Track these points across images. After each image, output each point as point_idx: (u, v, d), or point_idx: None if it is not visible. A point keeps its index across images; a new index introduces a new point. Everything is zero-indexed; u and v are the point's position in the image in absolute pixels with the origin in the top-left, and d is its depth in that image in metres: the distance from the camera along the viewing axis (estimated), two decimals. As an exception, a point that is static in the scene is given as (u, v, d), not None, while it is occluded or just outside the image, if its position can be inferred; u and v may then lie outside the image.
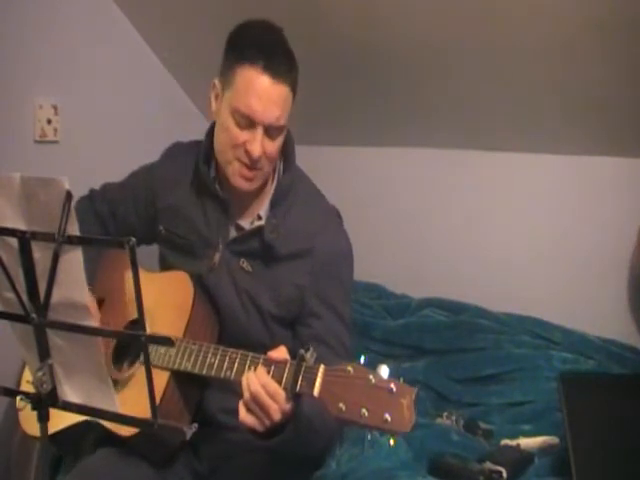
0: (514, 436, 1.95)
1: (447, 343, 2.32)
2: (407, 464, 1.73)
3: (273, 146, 1.63)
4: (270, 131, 1.61)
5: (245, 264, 1.69)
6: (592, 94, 2.13)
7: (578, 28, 1.97)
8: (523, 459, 1.83)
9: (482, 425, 2.00)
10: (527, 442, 1.91)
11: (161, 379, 1.55)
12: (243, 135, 1.60)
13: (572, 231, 2.35)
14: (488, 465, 1.74)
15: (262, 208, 1.71)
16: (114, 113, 2.63)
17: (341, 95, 2.58)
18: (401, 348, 2.39)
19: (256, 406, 1.38)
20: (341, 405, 1.28)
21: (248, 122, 1.59)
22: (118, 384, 1.62)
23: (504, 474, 1.72)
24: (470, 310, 2.40)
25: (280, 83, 1.58)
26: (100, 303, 1.78)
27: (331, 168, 2.66)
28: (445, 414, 2.05)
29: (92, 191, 1.95)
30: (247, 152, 1.61)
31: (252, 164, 1.62)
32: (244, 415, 1.40)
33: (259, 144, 1.60)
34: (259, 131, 1.59)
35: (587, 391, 1.84)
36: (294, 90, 1.63)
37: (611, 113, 2.16)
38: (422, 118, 2.48)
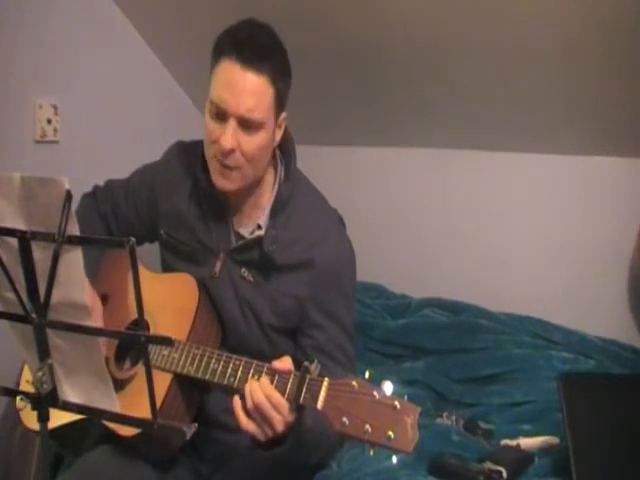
0: (514, 436, 1.95)
1: (447, 343, 2.32)
2: (407, 464, 1.73)
3: (250, 142, 1.58)
4: (245, 124, 1.56)
5: (246, 273, 1.68)
6: (592, 94, 2.13)
7: (578, 28, 1.97)
8: (523, 459, 1.83)
9: (482, 425, 2.00)
10: (527, 442, 1.91)
11: (163, 381, 1.55)
12: (218, 129, 1.58)
13: (572, 231, 2.35)
14: (488, 465, 1.74)
15: (262, 217, 1.68)
16: (114, 113, 2.63)
17: (341, 95, 2.58)
18: (401, 348, 2.39)
19: (258, 415, 1.38)
20: (344, 420, 1.28)
21: (221, 114, 1.57)
22: (120, 383, 1.62)
23: (504, 474, 1.72)
24: (470, 310, 2.40)
25: (252, 71, 1.54)
26: (104, 300, 1.77)
27: (331, 168, 2.66)
28: (445, 414, 2.04)
29: (96, 188, 1.94)
30: (219, 145, 1.58)
31: (224, 158, 1.58)
32: (246, 423, 1.39)
33: (229, 136, 1.56)
34: (231, 123, 1.56)
35: (587, 391, 1.84)
36: (275, 84, 1.58)
37: (611, 113, 2.16)
38: (422, 118, 2.48)
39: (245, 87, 1.55)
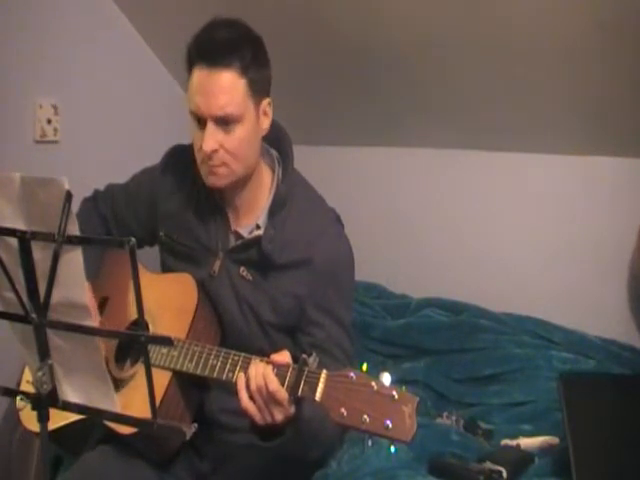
0: (514, 436, 1.94)
1: (447, 343, 2.32)
2: (407, 464, 1.73)
3: (231, 140, 1.58)
4: (222, 122, 1.57)
5: (245, 272, 1.69)
6: (592, 94, 2.13)
7: (579, 28, 1.97)
8: (523, 459, 1.83)
9: (482, 425, 2.00)
10: (527, 442, 1.91)
11: (163, 379, 1.56)
12: (200, 136, 1.60)
13: (572, 231, 2.35)
14: (488, 465, 1.74)
15: (260, 217, 1.69)
16: (114, 113, 2.63)
17: (341, 95, 2.58)
18: (401, 348, 2.39)
19: (260, 398, 1.39)
20: (343, 410, 1.28)
21: (200, 120, 1.59)
22: (120, 382, 1.62)
23: (504, 474, 1.72)
24: (470, 310, 2.40)
25: (219, 69, 1.55)
26: (104, 301, 1.78)
27: (331, 168, 2.66)
28: (445, 414, 2.04)
29: (96, 192, 1.95)
30: (202, 150, 1.60)
31: (209, 159, 1.60)
32: (246, 402, 1.41)
33: (208, 139, 1.57)
34: (209, 126, 1.57)
35: (587, 391, 1.84)
36: (246, 74, 1.57)
37: (611, 113, 2.16)
38: (422, 118, 2.48)
39: (215, 86, 1.56)
